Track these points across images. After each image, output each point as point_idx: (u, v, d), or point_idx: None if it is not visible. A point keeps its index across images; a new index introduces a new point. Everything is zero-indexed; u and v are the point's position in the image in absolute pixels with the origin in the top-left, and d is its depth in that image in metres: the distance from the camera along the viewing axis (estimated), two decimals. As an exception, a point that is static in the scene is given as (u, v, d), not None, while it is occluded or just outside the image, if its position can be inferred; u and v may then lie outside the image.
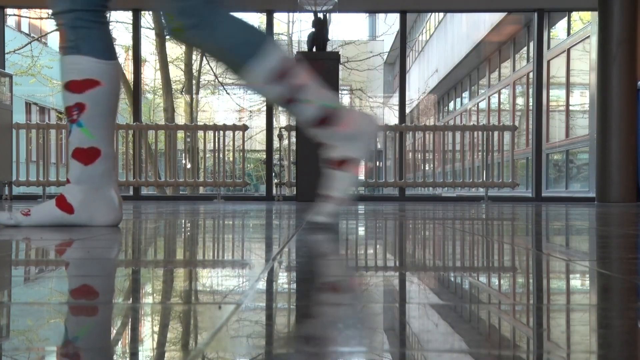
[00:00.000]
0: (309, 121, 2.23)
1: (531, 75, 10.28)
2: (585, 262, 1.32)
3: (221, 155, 8.27)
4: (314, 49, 7.52)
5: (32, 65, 18.90)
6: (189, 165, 8.72)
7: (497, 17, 14.41)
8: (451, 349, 0.61)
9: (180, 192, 10.51)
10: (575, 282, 1.10)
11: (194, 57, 17.07)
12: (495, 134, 8.35)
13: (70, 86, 2.23)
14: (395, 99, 16.99)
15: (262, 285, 1.01)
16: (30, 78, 18.87)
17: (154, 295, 0.95)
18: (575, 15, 11.23)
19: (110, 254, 1.51)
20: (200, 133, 10.46)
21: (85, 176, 2.24)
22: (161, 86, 16.48)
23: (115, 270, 1.23)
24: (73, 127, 2.24)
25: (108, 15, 2.30)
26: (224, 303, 0.84)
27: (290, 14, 14.18)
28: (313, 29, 7.58)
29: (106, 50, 2.26)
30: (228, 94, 19.43)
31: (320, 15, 7.61)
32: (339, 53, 7.56)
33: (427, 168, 10.93)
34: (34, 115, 20.29)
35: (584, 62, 10.35)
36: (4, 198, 8.00)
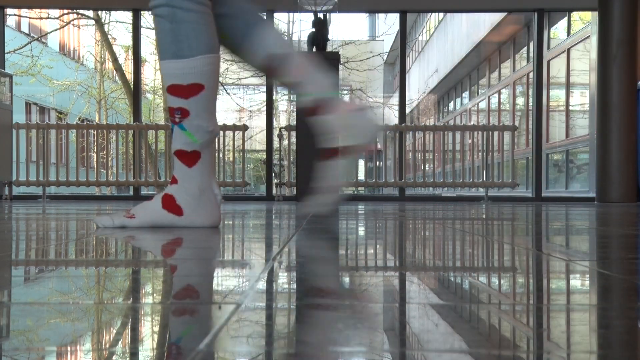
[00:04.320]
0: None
1: (531, 75, 10.28)
2: (585, 262, 1.32)
3: (221, 156, 8.27)
4: (314, 49, 7.52)
5: (32, 65, 18.91)
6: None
7: (497, 17, 14.42)
8: (451, 349, 0.61)
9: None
10: (576, 282, 1.10)
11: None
12: (495, 134, 8.35)
13: (173, 90, 2.16)
14: (395, 99, 16.98)
15: (262, 285, 1.01)
16: (30, 78, 18.88)
17: (154, 295, 0.95)
18: (575, 15, 11.24)
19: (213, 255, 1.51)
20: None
21: (188, 177, 2.20)
22: (161, 86, 16.47)
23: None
24: (175, 127, 2.18)
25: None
26: (224, 303, 0.84)
27: (290, 14, 14.17)
28: (313, 29, 7.58)
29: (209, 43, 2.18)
30: (228, 94, 19.43)
31: (320, 15, 7.61)
32: (339, 53, 7.56)
33: (427, 168, 10.93)
34: (34, 115, 20.30)
35: (584, 62, 10.35)
36: (4, 198, 8.00)
